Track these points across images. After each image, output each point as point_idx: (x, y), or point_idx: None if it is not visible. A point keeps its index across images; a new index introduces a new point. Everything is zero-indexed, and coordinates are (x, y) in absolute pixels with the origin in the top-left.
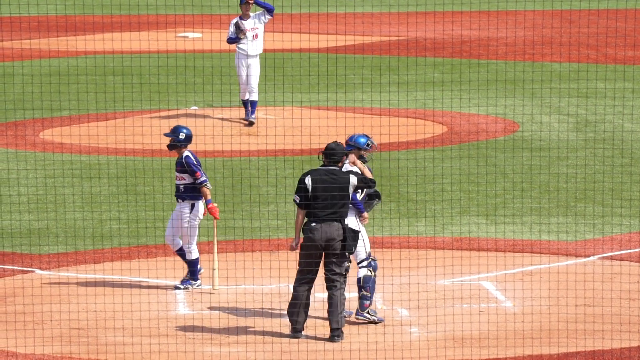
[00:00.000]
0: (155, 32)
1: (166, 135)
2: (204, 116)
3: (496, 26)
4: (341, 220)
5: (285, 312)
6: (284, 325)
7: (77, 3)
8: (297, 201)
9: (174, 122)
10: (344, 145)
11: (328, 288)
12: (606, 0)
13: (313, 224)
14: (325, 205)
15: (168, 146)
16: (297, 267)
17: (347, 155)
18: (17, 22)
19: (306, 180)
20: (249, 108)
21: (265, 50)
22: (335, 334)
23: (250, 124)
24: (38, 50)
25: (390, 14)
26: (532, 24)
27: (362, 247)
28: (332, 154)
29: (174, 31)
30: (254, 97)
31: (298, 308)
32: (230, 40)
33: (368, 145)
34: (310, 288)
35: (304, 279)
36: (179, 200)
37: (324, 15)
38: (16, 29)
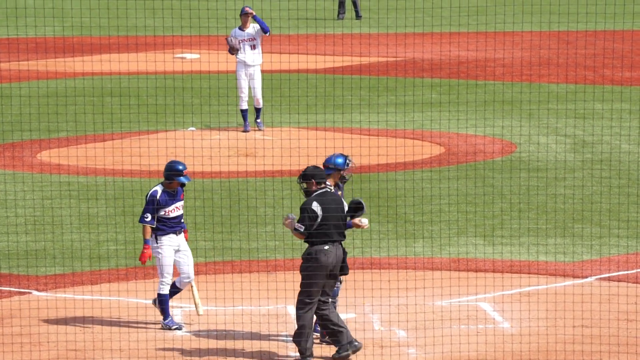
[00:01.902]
0: (152, 53)
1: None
2: (202, 137)
3: (493, 47)
4: (341, 243)
5: (287, 334)
6: (281, 346)
7: (74, 24)
8: (302, 230)
9: (171, 143)
10: (323, 168)
11: (321, 309)
12: (603, 22)
13: (327, 247)
14: (335, 227)
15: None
16: (301, 294)
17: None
18: (15, 43)
19: (314, 207)
20: (247, 118)
21: (263, 71)
22: (353, 346)
23: (248, 130)
24: (36, 71)
25: (388, 35)
26: (529, 45)
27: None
28: (320, 175)
29: (171, 52)
30: (260, 104)
31: (307, 336)
32: (230, 52)
33: (347, 164)
34: (314, 312)
35: (312, 304)
36: None
37: (321, 36)
38: (14, 50)
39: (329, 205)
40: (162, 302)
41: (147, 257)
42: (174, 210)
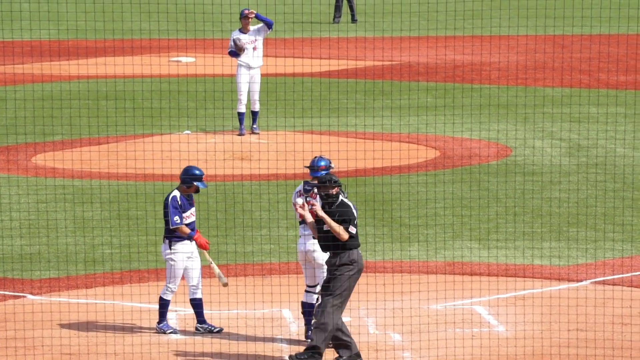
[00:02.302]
0: (148, 56)
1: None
2: (197, 141)
3: (489, 51)
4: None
5: (282, 338)
6: (276, 349)
7: (70, 28)
8: (354, 233)
9: (166, 147)
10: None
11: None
12: (598, 26)
13: (358, 250)
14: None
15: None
16: (336, 298)
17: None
18: (10, 46)
19: (352, 207)
20: (243, 122)
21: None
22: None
23: (244, 134)
24: (31, 74)
25: (384, 39)
26: (524, 49)
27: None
28: (335, 179)
29: (167, 55)
30: (257, 107)
31: (348, 336)
32: (231, 54)
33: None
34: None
35: (343, 309)
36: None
37: (317, 40)
38: (9, 53)
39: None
40: (162, 306)
41: (204, 241)
42: (190, 216)
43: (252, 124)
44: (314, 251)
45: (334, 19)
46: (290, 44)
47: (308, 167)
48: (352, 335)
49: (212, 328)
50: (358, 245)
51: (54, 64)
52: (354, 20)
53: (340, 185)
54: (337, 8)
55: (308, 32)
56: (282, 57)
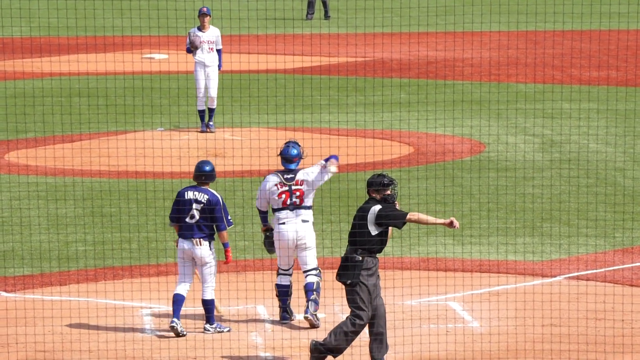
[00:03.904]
0: (121, 53)
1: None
2: (171, 138)
3: (462, 47)
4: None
5: (257, 334)
6: (251, 346)
7: (42, 25)
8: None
9: (140, 144)
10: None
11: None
12: (571, 22)
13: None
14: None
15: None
16: (360, 310)
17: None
18: None
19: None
20: (203, 119)
21: (232, 71)
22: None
23: (207, 131)
24: (3, 71)
25: (357, 35)
26: (497, 44)
27: (313, 257)
28: (377, 183)
29: (139, 52)
30: (214, 104)
31: (350, 342)
32: (188, 51)
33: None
34: None
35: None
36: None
37: (289, 36)
38: None
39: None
40: (211, 304)
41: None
42: None
43: (209, 121)
44: (304, 236)
45: (307, 16)
46: (263, 40)
47: (282, 157)
48: (327, 332)
49: (222, 329)
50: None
51: (26, 61)
52: (327, 16)
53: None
54: (310, 5)
55: (281, 29)
56: (255, 53)
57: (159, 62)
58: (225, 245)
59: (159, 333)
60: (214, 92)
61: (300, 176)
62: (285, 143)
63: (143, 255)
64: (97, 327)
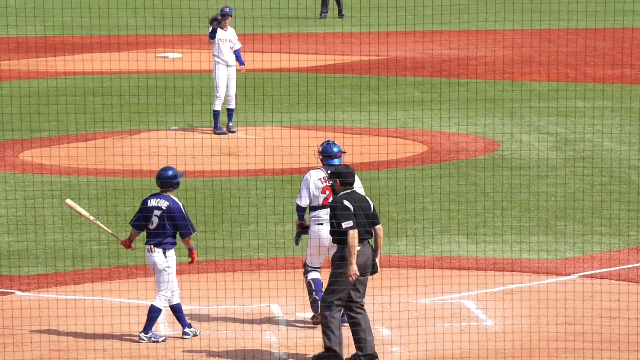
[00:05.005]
0: (135, 52)
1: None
2: (185, 137)
3: (475, 45)
4: (370, 241)
5: (271, 334)
6: (265, 345)
7: (56, 24)
8: (353, 225)
9: (154, 143)
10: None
11: (352, 310)
12: (585, 20)
13: (358, 248)
14: (363, 225)
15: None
16: (329, 293)
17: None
18: None
19: (346, 203)
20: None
21: (246, 70)
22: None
23: (224, 132)
24: (17, 71)
25: (370, 34)
26: (511, 43)
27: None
28: (346, 175)
29: (153, 51)
30: (233, 104)
31: (331, 335)
32: (212, 32)
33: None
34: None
35: (340, 305)
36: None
37: (303, 35)
38: None
39: (356, 204)
40: (156, 313)
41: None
42: None
43: (229, 122)
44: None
45: (320, 14)
46: (277, 39)
47: (324, 154)
48: (342, 329)
49: (196, 331)
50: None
51: (41, 60)
52: (340, 15)
53: (333, 180)
54: (324, 3)
55: (295, 28)
56: (269, 52)
57: (173, 61)
58: (190, 249)
59: (173, 331)
60: (233, 91)
61: None
62: (325, 142)
63: None
64: (112, 326)
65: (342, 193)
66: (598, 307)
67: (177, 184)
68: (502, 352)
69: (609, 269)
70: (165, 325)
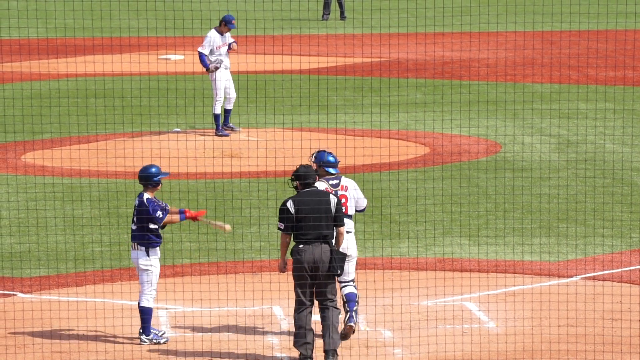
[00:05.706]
0: (137, 54)
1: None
2: (187, 139)
3: (478, 47)
4: (328, 242)
5: (273, 335)
6: (267, 347)
7: (58, 26)
8: (282, 228)
9: (156, 145)
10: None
11: (320, 310)
12: (587, 22)
13: (301, 246)
14: (311, 227)
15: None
16: (294, 297)
17: (318, 177)
18: None
19: (288, 205)
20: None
21: (247, 72)
22: (329, 355)
23: (227, 134)
24: (19, 73)
25: (372, 36)
26: (513, 45)
27: (354, 267)
28: (305, 176)
29: (156, 53)
30: (231, 106)
31: (304, 337)
32: (202, 61)
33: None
34: (311, 312)
35: (302, 305)
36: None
37: (306, 37)
38: None
39: (306, 206)
40: (148, 314)
41: (197, 213)
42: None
43: (226, 121)
44: (348, 247)
45: (322, 16)
46: (279, 41)
47: (325, 163)
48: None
49: (159, 339)
50: (297, 242)
51: (43, 62)
52: (342, 17)
53: (294, 181)
54: (326, 5)
55: (297, 29)
56: (271, 54)
57: (174, 63)
58: (182, 218)
59: (176, 333)
60: (234, 92)
61: (344, 182)
62: (318, 152)
63: None
64: (114, 328)
65: (298, 193)
66: (600, 309)
67: (157, 182)
68: (504, 354)
69: (611, 271)
70: (167, 327)
